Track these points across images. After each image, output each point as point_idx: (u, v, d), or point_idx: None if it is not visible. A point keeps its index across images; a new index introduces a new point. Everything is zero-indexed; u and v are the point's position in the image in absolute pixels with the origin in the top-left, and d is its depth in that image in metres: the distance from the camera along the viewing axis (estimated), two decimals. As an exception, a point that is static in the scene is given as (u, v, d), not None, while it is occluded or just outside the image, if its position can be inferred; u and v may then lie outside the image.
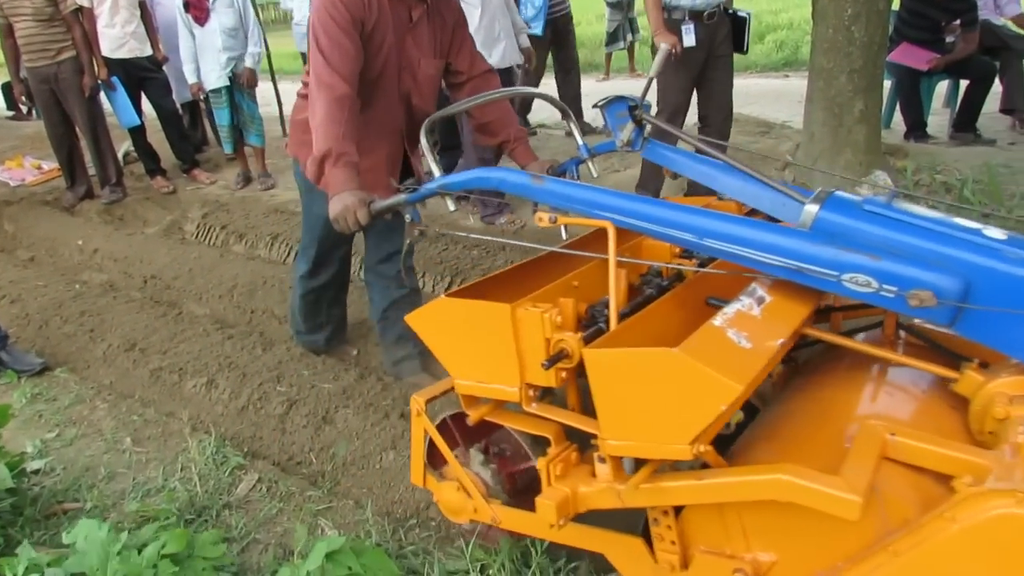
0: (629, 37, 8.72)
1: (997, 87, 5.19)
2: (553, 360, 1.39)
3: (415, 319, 1.61)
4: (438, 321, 1.57)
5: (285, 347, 3.04)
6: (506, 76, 4.18)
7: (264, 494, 2.20)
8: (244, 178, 5.55)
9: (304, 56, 5.91)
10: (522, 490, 1.72)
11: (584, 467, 1.51)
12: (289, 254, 4.27)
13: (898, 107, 5.36)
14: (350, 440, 2.37)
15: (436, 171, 1.76)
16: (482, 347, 1.49)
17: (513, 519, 1.67)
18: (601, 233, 1.50)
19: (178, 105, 5.87)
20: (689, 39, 3.71)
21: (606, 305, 1.47)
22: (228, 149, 5.44)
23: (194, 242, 4.73)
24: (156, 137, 5.73)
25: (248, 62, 5.22)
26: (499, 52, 4.17)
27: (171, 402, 2.79)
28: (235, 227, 4.68)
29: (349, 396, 2.58)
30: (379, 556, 1.78)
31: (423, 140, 1.81)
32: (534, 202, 1.69)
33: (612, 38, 8.54)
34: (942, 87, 5.46)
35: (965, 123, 5.10)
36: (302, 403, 2.57)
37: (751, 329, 1.32)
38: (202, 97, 5.33)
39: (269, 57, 6.22)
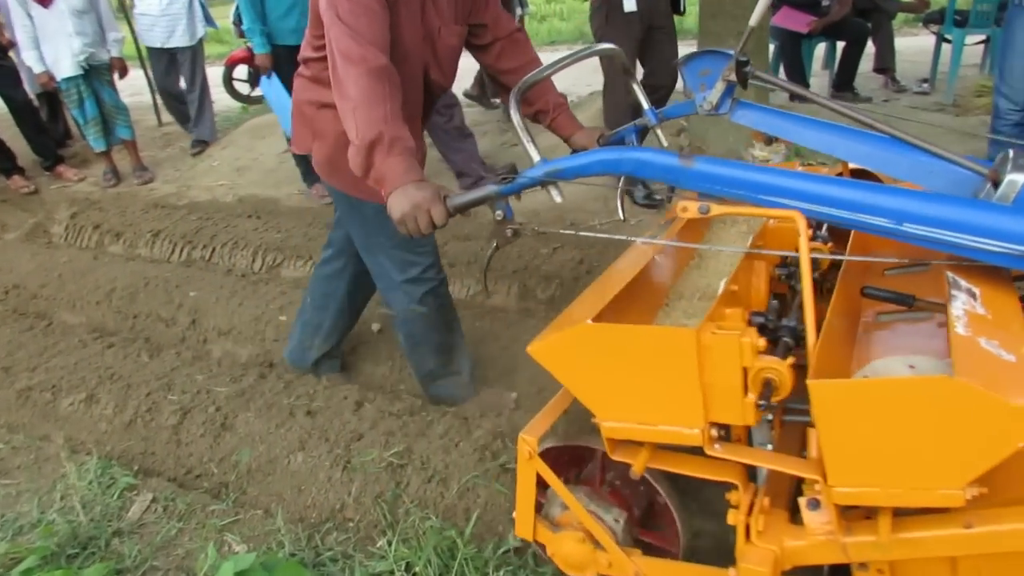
0: (519, 11, 8.60)
1: (871, 48, 5.43)
2: (765, 395, 1.15)
3: (541, 351, 1.31)
4: (579, 352, 1.27)
5: (174, 352, 2.79)
6: None
7: (160, 515, 2.00)
8: (113, 174, 5.11)
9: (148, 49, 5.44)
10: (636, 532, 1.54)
11: (777, 514, 1.29)
12: (174, 251, 3.96)
13: (782, 69, 5.52)
14: (253, 445, 2.19)
15: (535, 154, 1.43)
16: (647, 382, 1.23)
17: (670, 574, 1.45)
18: (696, 221, 1.34)
19: (32, 96, 5.33)
20: (630, 3, 3.63)
21: (775, 313, 1.27)
22: (98, 146, 4.97)
23: (63, 245, 4.32)
24: (9, 132, 5.20)
25: (113, 51, 4.82)
26: None
27: (44, 424, 2.51)
28: (110, 226, 4.30)
29: (249, 398, 2.38)
30: (294, 569, 1.65)
31: (515, 114, 1.46)
32: (670, 189, 1.46)
33: (500, 12, 8.44)
34: (820, 49, 5.67)
35: (844, 83, 5.31)
36: (197, 411, 2.35)
37: (997, 335, 1.10)
38: (55, 87, 4.84)
39: (136, 40, 5.76)
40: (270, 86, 4.04)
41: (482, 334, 2.75)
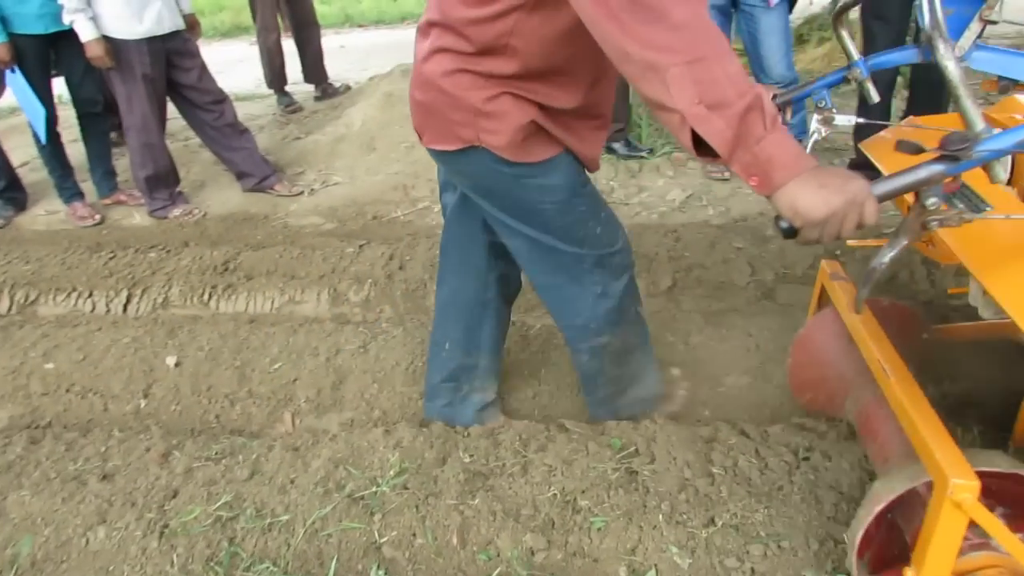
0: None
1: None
2: None
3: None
4: None
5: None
6: (170, 43, 3.47)
7: (-83, 644, 1.58)
8: None
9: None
10: None
11: None
12: None
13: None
14: (35, 530, 1.79)
15: (978, 121, 1.09)
16: None
17: None
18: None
19: None
20: None
21: None
22: None
23: None
24: None
25: None
26: (152, 17, 3.35)
27: None
28: None
29: (19, 472, 1.95)
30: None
31: (953, 70, 1.11)
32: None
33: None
34: None
35: None
36: (-51, 500, 1.89)
37: None
38: None
39: None
40: (15, 82, 3.35)
41: (299, 348, 2.50)
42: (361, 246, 3.13)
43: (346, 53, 7.54)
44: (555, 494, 1.70)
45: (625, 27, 1.06)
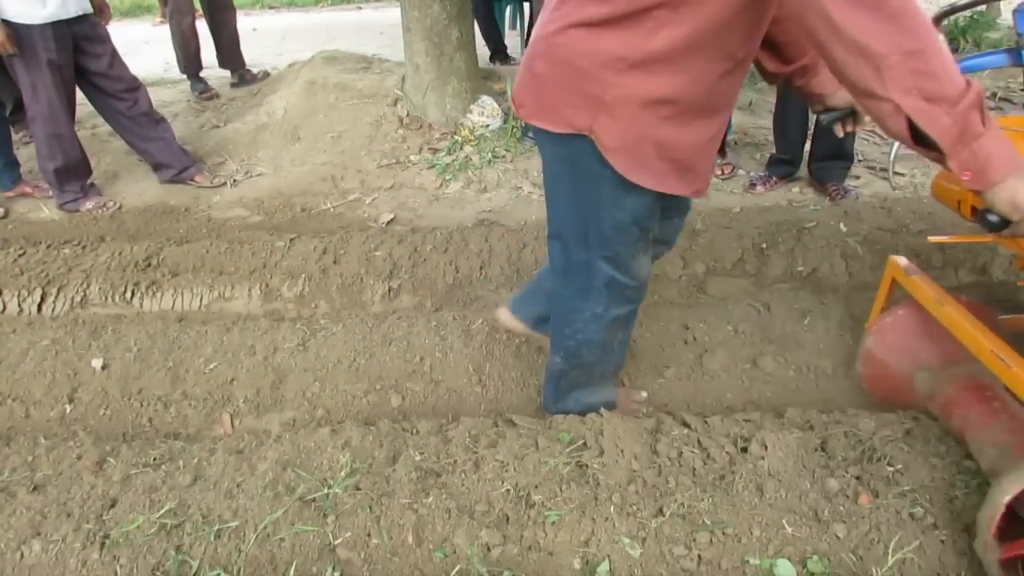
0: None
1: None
2: None
3: None
4: None
5: None
6: (77, 27, 3.25)
7: None
8: None
9: None
10: None
11: None
12: None
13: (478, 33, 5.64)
14: (-40, 548, 1.69)
15: None
16: None
17: None
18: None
19: None
20: None
21: None
22: None
23: None
24: None
25: None
26: (56, 0, 3.15)
27: None
28: None
29: (-63, 486, 1.84)
30: None
31: None
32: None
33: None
34: (509, 10, 5.90)
35: (537, 44, 5.60)
36: None
37: None
38: None
39: None
40: None
41: (234, 346, 2.43)
42: (292, 240, 3.06)
43: (259, 36, 7.30)
44: (508, 489, 1.73)
45: (840, 9, 1.08)
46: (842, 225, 2.93)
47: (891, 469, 1.74)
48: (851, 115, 1.53)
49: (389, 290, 2.79)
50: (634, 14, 1.29)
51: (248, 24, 7.77)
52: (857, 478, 1.74)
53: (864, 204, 3.13)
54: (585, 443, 1.85)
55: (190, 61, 4.98)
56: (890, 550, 1.59)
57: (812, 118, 3.23)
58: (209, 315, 2.70)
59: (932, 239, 1.99)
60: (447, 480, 1.78)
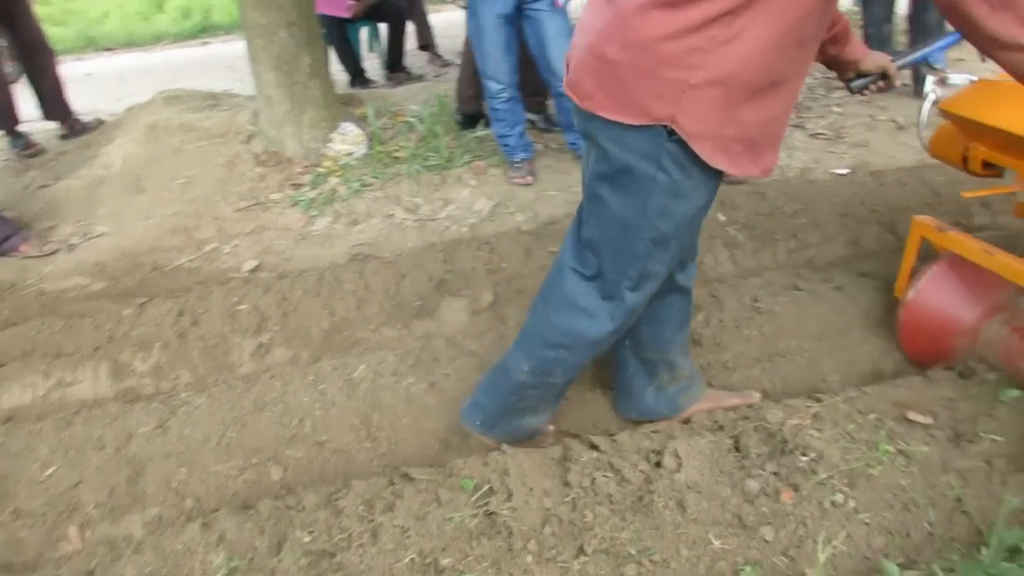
0: None
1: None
2: None
3: None
4: None
5: None
6: None
7: None
8: None
9: None
10: None
11: None
12: None
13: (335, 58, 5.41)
14: None
15: None
16: None
17: None
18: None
19: None
20: None
21: None
22: None
23: None
24: None
25: None
26: None
27: None
28: None
29: None
30: None
31: None
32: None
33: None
34: (363, 33, 5.70)
35: (395, 64, 5.43)
36: None
37: None
38: None
39: None
40: None
41: (77, 442, 2.10)
42: (142, 304, 2.73)
43: (93, 81, 6.74)
44: (413, 558, 1.54)
45: None
46: (720, 215, 2.92)
47: (805, 459, 1.68)
48: (882, 78, 1.69)
49: (259, 346, 2.52)
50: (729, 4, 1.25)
51: (80, 69, 7.19)
52: (775, 474, 1.67)
53: (738, 191, 3.13)
54: (491, 487, 1.68)
55: (3, 115, 4.44)
56: (819, 546, 1.52)
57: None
58: (47, 408, 2.33)
59: (966, 194, 1.96)
60: (342, 560, 1.57)
